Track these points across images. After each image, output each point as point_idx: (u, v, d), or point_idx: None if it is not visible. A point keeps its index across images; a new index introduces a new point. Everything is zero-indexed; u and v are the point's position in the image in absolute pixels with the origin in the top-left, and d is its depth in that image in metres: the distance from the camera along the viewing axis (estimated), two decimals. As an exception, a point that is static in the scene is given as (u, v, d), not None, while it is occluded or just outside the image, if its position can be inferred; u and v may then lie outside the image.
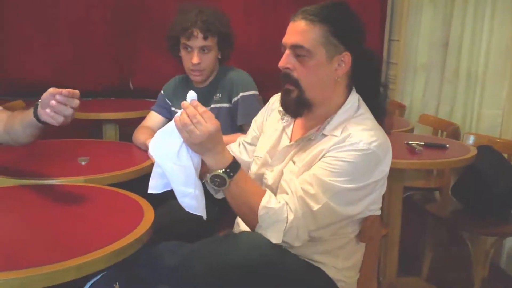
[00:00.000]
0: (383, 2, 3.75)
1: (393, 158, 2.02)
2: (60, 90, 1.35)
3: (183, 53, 2.03)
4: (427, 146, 2.19)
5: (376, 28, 3.76)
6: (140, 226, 1.22)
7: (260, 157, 1.45)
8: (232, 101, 2.07)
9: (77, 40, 3.25)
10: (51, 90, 1.38)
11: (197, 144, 1.18)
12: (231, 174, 1.21)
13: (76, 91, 1.39)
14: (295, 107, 1.32)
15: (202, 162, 1.25)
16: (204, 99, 2.09)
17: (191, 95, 1.21)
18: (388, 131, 1.33)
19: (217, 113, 2.07)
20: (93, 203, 1.42)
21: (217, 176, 1.21)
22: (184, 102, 1.20)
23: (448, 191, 2.55)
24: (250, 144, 1.56)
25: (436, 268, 2.53)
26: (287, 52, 1.29)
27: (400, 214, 2.16)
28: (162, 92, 2.19)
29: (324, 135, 1.30)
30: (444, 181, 2.67)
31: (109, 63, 3.33)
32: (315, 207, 1.21)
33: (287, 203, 1.22)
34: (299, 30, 1.27)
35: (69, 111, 1.39)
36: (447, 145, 2.23)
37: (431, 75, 3.37)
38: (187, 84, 2.13)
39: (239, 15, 3.19)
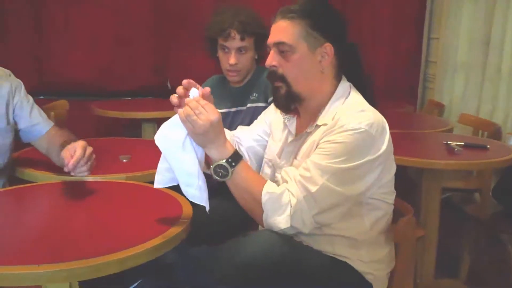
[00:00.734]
0: (422, 0, 3.68)
1: (430, 158, 2.04)
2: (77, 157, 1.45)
3: (220, 53, 2.06)
4: (467, 146, 2.14)
5: (415, 26, 3.71)
6: (179, 222, 1.26)
7: (271, 159, 1.49)
8: (268, 101, 2.08)
9: (118, 41, 3.35)
10: (80, 149, 1.48)
11: (200, 134, 1.23)
12: (233, 164, 1.26)
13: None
14: (285, 102, 1.38)
15: (206, 156, 1.30)
16: (241, 98, 2.12)
17: (193, 92, 1.26)
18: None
19: (253, 112, 2.09)
20: (134, 200, 1.47)
21: (220, 166, 1.26)
22: (187, 99, 1.24)
23: (488, 193, 2.49)
24: (261, 137, 1.57)
25: (475, 271, 2.48)
26: (272, 50, 1.35)
27: (438, 215, 2.13)
28: (199, 92, 2.23)
29: (318, 126, 1.34)
30: (484, 183, 2.61)
31: (148, 63, 3.42)
32: (314, 188, 1.23)
33: (288, 189, 1.26)
34: (280, 29, 1.34)
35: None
36: (488, 146, 2.18)
37: (472, 74, 3.29)
38: (224, 84, 2.16)
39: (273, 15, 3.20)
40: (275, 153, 1.47)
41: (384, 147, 1.28)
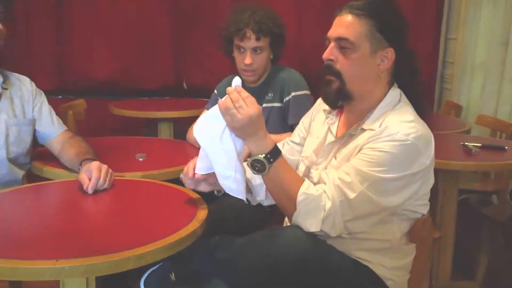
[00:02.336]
0: (440, 0, 3.65)
1: (447, 159, 2.02)
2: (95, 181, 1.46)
3: (236, 53, 2.07)
4: (485, 147, 2.12)
5: (432, 26, 3.67)
6: (195, 220, 1.27)
7: (307, 156, 1.47)
8: (284, 101, 2.09)
9: (135, 41, 3.38)
10: (95, 172, 1.49)
11: (238, 128, 1.21)
12: (271, 160, 1.23)
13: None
14: (335, 97, 1.35)
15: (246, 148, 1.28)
16: (256, 98, 2.08)
17: (236, 81, 1.24)
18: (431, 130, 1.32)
19: (268, 112, 2.10)
20: (150, 197, 1.49)
21: (258, 161, 1.23)
22: (229, 87, 1.23)
23: (506, 195, 2.46)
24: (297, 144, 1.57)
25: (492, 273, 2.45)
26: (332, 44, 1.32)
27: (455, 216, 2.11)
28: (215, 91, 2.24)
29: (364, 130, 1.31)
30: (502, 184, 2.58)
31: (165, 63, 3.43)
32: (352, 195, 1.22)
33: (325, 191, 1.24)
34: (345, 24, 1.30)
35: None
36: (506, 147, 2.15)
37: (490, 75, 3.25)
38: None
39: (292, 15, 3.20)
40: (312, 150, 1.46)
41: (428, 161, 1.26)
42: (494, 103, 3.18)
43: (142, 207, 1.42)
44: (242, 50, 2.04)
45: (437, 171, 2.16)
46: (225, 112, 1.20)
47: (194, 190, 1.42)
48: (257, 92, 2.11)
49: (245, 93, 1.20)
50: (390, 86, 1.35)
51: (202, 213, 1.32)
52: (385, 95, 1.33)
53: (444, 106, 3.49)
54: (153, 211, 1.38)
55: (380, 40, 1.29)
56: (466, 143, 2.13)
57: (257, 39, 2.00)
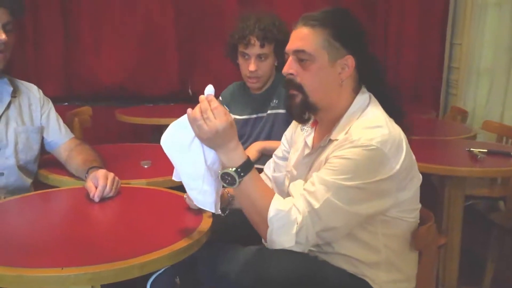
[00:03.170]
0: (445, 4, 3.65)
1: (453, 165, 2.01)
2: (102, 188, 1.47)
3: (240, 60, 2.08)
4: (491, 153, 2.11)
5: (437, 31, 3.67)
6: (199, 228, 1.27)
7: (289, 171, 1.46)
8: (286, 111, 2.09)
9: (141, 48, 3.41)
10: (101, 180, 1.49)
11: (205, 139, 1.18)
12: (242, 174, 1.20)
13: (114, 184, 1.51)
14: (299, 111, 1.34)
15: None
16: (261, 105, 2.13)
17: (209, 89, 1.20)
18: (408, 134, 1.28)
19: (273, 119, 2.10)
20: (155, 205, 1.49)
21: (227, 174, 1.20)
22: (201, 96, 1.19)
23: (513, 201, 2.44)
24: (281, 158, 1.56)
25: (499, 280, 2.43)
26: (290, 58, 1.31)
27: (461, 222, 2.09)
28: (220, 98, 2.25)
29: (331, 140, 1.29)
30: (509, 190, 2.56)
31: (170, 69, 3.46)
32: (316, 204, 1.18)
33: (294, 205, 1.20)
34: (300, 36, 1.29)
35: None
36: (512, 153, 2.14)
37: (496, 80, 3.24)
38: (245, 91, 2.18)
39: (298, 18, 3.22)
40: (292, 164, 1.45)
41: (397, 166, 1.20)
42: (500, 109, 3.16)
43: (147, 214, 1.42)
44: (246, 57, 2.05)
45: (443, 177, 2.17)
46: (192, 123, 1.18)
47: None
48: (262, 98, 2.12)
49: (215, 103, 1.17)
50: (356, 92, 1.33)
51: (206, 221, 1.32)
52: (351, 102, 1.31)
53: (450, 111, 3.48)
54: (158, 218, 1.38)
55: (337, 48, 1.27)
56: (472, 149, 2.12)
57: (261, 46, 2.01)
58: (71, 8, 3.34)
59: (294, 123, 1.57)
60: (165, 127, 3.26)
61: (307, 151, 1.41)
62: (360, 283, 1.28)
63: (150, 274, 1.48)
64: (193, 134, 1.20)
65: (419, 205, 1.34)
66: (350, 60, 1.28)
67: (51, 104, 1.87)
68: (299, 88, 1.30)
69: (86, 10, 3.35)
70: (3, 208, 1.42)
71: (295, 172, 1.42)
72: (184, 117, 1.21)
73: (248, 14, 2.06)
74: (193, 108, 1.21)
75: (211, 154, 1.22)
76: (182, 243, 1.17)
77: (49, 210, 1.45)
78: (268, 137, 2.09)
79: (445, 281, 2.15)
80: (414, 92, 3.68)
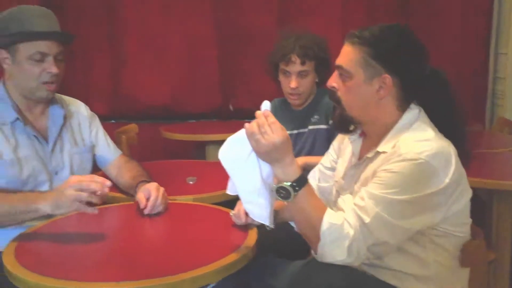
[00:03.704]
0: (488, 14, 3.57)
1: (501, 179, 1.96)
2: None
3: (281, 77, 2.12)
4: (541, 166, 2.05)
5: (481, 41, 3.59)
6: (246, 243, 1.31)
7: (337, 181, 1.47)
8: (330, 123, 2.10)
9: (184, 66, 3.51)
10: (154, 193, 1.56)
11: (263, 153, 1.21)
12: (297, 188, 1.22)
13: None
14: (338, 123, 1.39)
15: None
16: (302, 121, 2.15)
17: (265, 105, 1.24)
18: (465, 161, 1.27)
19: (314, 134, 2.12)
20: (201, 221, 1.54)
21: (283, 188, 1.22)
22: (257, 111, 1.23)
23: None
24: (328, 168, 1.58)
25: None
26: (335, 72, 1.35)
27: (510, 237, 2.04)
28: (261, 115, 2.29)
29: (379, 153, 1.30)
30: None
31: (212, 87, 3.54)
32: (367, 219, 1.19)
33: (346, 219, 1.21)
34: (343, 52, 1.33)
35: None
36: None
37: (544, 90, 3.14)
38: (286, 107, 2.21)
39: (337, 35, 3.24)
40: (341, 175, 1.46)
41: (447, 180, 1.20)
42: (549, 119, 3.06)
43: (195, 230, 1.46)
44: (287, 74, 2.08)
45: (490, 191, 2.11)
46: (250, 137, 1.21)
47: None
48: (303, 115, 2.14)
49: (271, 119, 1.20)
50: (403, 109, 1.32)
51: (252, 237, 1.35)
52: (398, 118, 1.31)
53: (496, 123, 3.39)
54: (205, 234, 1.42)
55: (374, 67, 1.28)
56: (520, 162, 2.07)
57: (302, 63, 2.04)
58: (117, 31, 3.49)
59: (340, 135, 1.59)
60: (208, 143, 3.33)
61: (354, 160, 1.42)
62: None
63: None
64: (249, 148, 1.23)
65: (470, 220, 1.32)
66: (387, 80, 1.28)
67: (98, 120, 1.92)
68: (338, 101, 1.35)
69: (131, 33, 3.49)
70: (60, 224, 1.49)
71: (343, 182, 1.44)
72: (241, 132, 1.25)
73: (289, 33, 2.10)
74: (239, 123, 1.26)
75: (266, 168, 1.25)
76: (230, 258, 1.21)
77: (102, 226, 1.51)
78: (310, 153, 2.11)
79: (495, 298, 2.09)
80: (460, 105, 3.60)
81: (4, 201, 1.45)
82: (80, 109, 1.87)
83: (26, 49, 1.59)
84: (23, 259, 1.23)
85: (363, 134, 1.43)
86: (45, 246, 1.34)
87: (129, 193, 1.76)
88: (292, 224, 1.39)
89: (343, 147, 1.53)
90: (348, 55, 1.31)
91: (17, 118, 1.63)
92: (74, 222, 1.52)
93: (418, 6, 3.53)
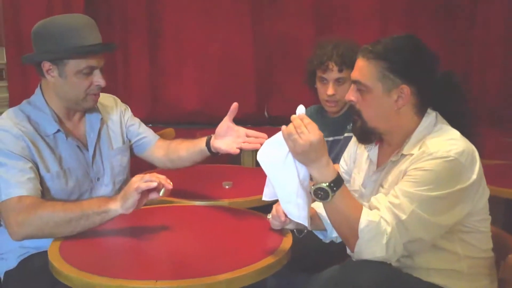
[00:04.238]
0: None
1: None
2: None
3: (318, 85, 2.13)
4: None
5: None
6: (281, 247, 1.33)
7: (357, 190, 1.50)
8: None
9: (221, 73, 3.57)
10: (228, 123, 1.66)
11: (300, 153, 1.24)
12: (335, 188, 1.25)
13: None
14: (360, 135, 1.44)
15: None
16: (338, 128, 2.16)
17: (300, 109, 1.28)
18: (480, 153, 1.31)
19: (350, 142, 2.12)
20: (237, 224, 1.56)
21: (321, 189, 1.26)
22: (293, 115, 1.27)
23: None
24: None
25: None
26: (352, 86, 1.39)
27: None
28: (297, 121, 2.30)
29: (404, 155, 1.34)
30: None
31: (248, 94, 3.58)
32: (403, 216, 1.23)
33: (382, 217, 1.25)
34: (359, 67, 1.38)
35: (258, 146, 1.56)
36: None
37: None
38: (322, 114, 2.22)
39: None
40: (360, 183, 1.50)
41: (474, 176, 1.27)
42: None
43: (230, 233, 1.49)
44: (325, 81, 2.09)
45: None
46: (287, 138, 1.25)
47: None
48: (339, 122, 2.15)
49: (307, 120, 1.24)
50: (421, 114, 1.37)
51: (287, 241, 1.37)
52: (417, 124, 1.36)
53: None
54: (241, 237, 1.45)
55: (392, 79, 1.33)
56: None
57: (340, 70, 2.05)
58: (157, 39, 3.59)
59: (350, 145, 1.64)
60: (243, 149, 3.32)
61: (373, 168, 1.46)
62: None
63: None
64: (287, 150, 1.27)
65: (489, 217, 1.37)
66: (405, 90, 1.33)
67: (129, 110, 1.90)
68: (359, 114, 1.40)
69: (170, 41, 3.58)
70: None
71: (363, 190, 1.47)
72: (279, 134, 1.29)
73: (326, 40, 2.11)
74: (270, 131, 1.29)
75: (302, 170, 1.29)
76: (265, 262, 1.23)
77: (143, 227, 1.55)
78: (346, 160, 2.11)
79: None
80: (498, 115, 3.51)
81: (75, 206, 1.45)
82: (110, 103, 1.83)
83: (77, 64, 1.55)
84: (67, 256, 1.28)
85: (378, 142, 1.47)
86: (87, 244, 1.39)
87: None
88: (317, 233, 1.45)
89: (355, 158, 1.57)
90: (365, 70, 1.36)
91: (58, 130, 1.61)
92: (115, 221, 1.56)
93: (459, 13, 3.47)
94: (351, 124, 2.11)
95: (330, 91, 2.07)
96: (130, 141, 1.86)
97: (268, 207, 1.73)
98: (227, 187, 1.96)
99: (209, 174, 2.24)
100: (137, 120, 1.91)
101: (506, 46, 3.50)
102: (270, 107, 3.63)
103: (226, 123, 1.72)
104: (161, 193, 1.40)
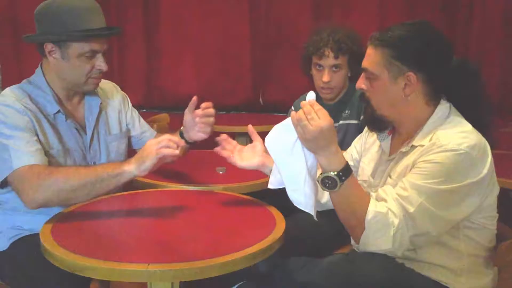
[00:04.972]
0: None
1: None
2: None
3: (314, 71, 2.12)
4: None
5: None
6: (273, 232, 1.32)
7: (366, 180, 1.49)
8: (361, 118, 2.10)
9: (218, 59, 3.55)
10: (189, 116, 1.71)
11: (310, 139, 1.22)
12: (343, 177, 1.24)
13: (208, 103, 1.72)
14: (370, 123, 1.44)
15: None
16: (333, 115, 2.10)
17: (311, 95, 1.27)
18: (492, 145, 1.30)
19: (345, 129, 2.12)
20: (231, 209, 1.56)
21: (329, 177, 1.24)
22: (303, 101, 1.25)
23: None
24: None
25: None
26: (363, 74, 1.39)
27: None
28: (292, 108, 2.29)
29: (414, 146, 1.32)
30: None
31: (244, 80, 3.57)
32: (411, 209, 1.22)
33: (389, 209, 1.23)
34: (367, 55, 1.38)
35: (212, 120, 1.71)
36: None
37: None
38: (317, 101, 2.20)
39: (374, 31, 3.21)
40: (369, 173, 1.48)
41: (485, 170, 1.25)
42: None
43: (223, 218, 1.49)
44: (320, 68, 2.08)
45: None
46: (297, 124, 1.23)
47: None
48: (335, 109, 2.14)
49: (317, 106, 1.23)
50: (433, 105, 1.35)
51: (280, 226, 1.36)
52: (429, 114, 1.34)
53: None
54: (234, 222, 1.45)
55: (398, 66, 1.31)
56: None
57: (336, 57, 2.04)
58: (153, 23, 3.55)
59: (362, 135, 1.61)
60: (237, 134, 3.35)
61: (384, 157, 1.44)
62: None
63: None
64: (295, 136, 1.25)
65: (497, 214, 1.35)
66: (412, 77, 1.32)
67: (128, 99, 1.91)
68: (368, 102, 1.39)
69: (166, 26, 3.54)
70: (94, 206, 1.54)
71: (372, 180, 1.46)
72: (288, 120, 1.27)
73: (323, 27, 2.10)
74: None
75: (310, 158, 1.27)
76: (258, 246, 1.23)
77: (136, 210, 1.55)
78: (340, 147, 2.10)
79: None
80: (498, 106, 3.51)
81: (89, 170, 1.48)
82: (112, 91, 1.85)
83: (80, 47, 1.56)
84: (59, 238, 1.28)
85: (391, 132, 1.45)
86: (80, 227, 1.39)
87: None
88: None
89: (366, 147, 1.55)
90: (372, 57, 1.35)
91: (59, 111, 1.62)
92: (108, 205, 1.56)
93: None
94: (347, 111, 2.14)
95: (325, 77, 2.06)
96: (129, 131, 1.88)
97: (261, 193, 1.74)
98: (221, 172, 1.96)
99: (203, 159, 2.23)
100: (136, 113, 1.94)
101: (504, 37, 3.49)
102: (265, 94, 3.62)
103: (189, 116, 1.77)
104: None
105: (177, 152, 1.42)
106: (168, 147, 1.41)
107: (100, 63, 1.60)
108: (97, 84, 1.68)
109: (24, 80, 1.66)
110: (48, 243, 1.25)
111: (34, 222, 1.50)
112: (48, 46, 1.57)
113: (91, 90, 1.69)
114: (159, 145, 1.41)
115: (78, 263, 1.15)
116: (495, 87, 3.49)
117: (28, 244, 1.51)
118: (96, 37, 1.57)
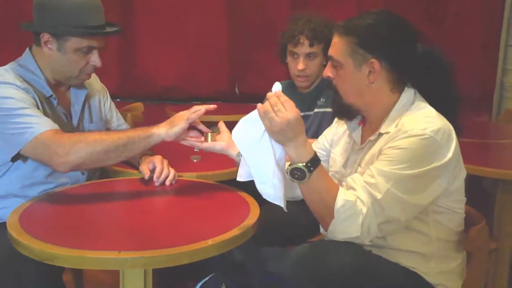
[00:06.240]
0: (499, 5, 3.53)
1: (507, 168, 1.96)
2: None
3: (289, 59, 2.11)
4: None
5: (492, 32, 3.56)
6: (247, 220, 1.32)
7: (337, 171, 1.49)
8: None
9: (194, 49, 3.50)
10: (159, 164, 1.65)
11: (277, 131, 1.21)
12: (312, 168, 1.23)
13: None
14: (339, 112, 1.45)
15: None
16: (308, 104, 2.15)
17: (276, 86, 1.25)
18: (458, 132, 1.31)
19: (321, 117, 2.12)
20: (204, 197, 1.55)
21: (297, 169, 1.23)
22: (269, 93, 1.24)
23: None
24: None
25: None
26: (329, 62, 1.39)
27: (513, 227, 2.04)
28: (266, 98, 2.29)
29: (381, 134, 1.33)
30: None
31: (220, 70, 3.54)
32: (379, 195, 1.22)
33: (358, 197, 1.24)
34: (332, 43, 1.38)
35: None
36: None
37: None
38: (292, 89, 2.20)
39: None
40: (341, 164, 1.48)
41: (450, 154, 1.25)
42: (557, 112, 3.04)
43: (196, 206, 1.48)
44: (295, 56, 2.07)
45: (495, 181, 2.11)
46: (263, 116, 1.22)
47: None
48: (310, 97, 2.14)
49: (284, 98, 1.22)
50: (399, 91, 1.36)
51: (254, 214, 1.36)
52: (394, 101, 1.35)
53: (503, 115, 3.38)
54: (207, 210, 1.44)
55: (361, 54, 1.32)
56: (526, 153, 2.07)
57: (311, 45, 2.03)
58: (129, 11, 3.48)
59: (333, 125, 1.62)
60: (211, 123, 3.32)
61: (355, 147, 1.44)
62: (414, 277, 1.31)
63: (197, 281, 1.54)
64: (262, 129, 1.24)
65: (465, 198, 1.37)
66: (375, 64, 1.32)
67: (107, 92, 1.92)
68: (335, 90, 1.39)
69: (142, 14, 3.48)
70: (63, 195, 1.51)
71: (344, 171, 1.46)
72: (254, 113, 1.25)
73: (299, 15, 2.09)
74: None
75: (278, 150, 1.26)
76: (230, 234, 1.22)
77: (107, 198, 1.53)
78: (315, 135, 2.10)
79: (494, 286, 2.10)
80: (467, 95, 3.57)
81: (119, 133, 1.53)
82: (95, 81, 1.85)
83: (78, 42, 1.56)
84: (27, 227, 1.24)
85: (362, 123, 1.46)
86: (48, 216, 1.36)
87: (133, 164, 1.76)
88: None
89: (336, 138, 1.55)
90: (337, 45, 1.36)
91: (52, 95, 1.62)
92: (79, 192, 1.53)
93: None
94: (322, 99, 2.14)
95: (300, 65, 2.05)
96: (108, 122, 1.87)
97: (235, 181, 1.72)
98: (195, 161, 1.94)
99: (177, 148, 2.19)
100: (113, 105, 1.94)
101: (472, 31, 3.55)
102: (241, 84, 3.60)
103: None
104: (209, 139, 1.58)
105: (202, 111, 1.55)
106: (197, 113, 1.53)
107: (95, 59, 1.61)
108: (86, 79, 1.70)
109: (12, 62, 1.64)
110: (15, 232, 1.22)
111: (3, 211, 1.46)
112: (45, 36, 1.57)
113: (78, 84, 1.70)
114: (190, 112, 1.52)
115: (47, 251, 1.12)
116: (466, 79, 3.55)
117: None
118: (97, 36, 1.58)
